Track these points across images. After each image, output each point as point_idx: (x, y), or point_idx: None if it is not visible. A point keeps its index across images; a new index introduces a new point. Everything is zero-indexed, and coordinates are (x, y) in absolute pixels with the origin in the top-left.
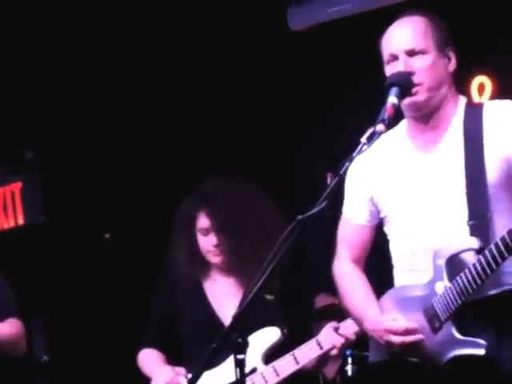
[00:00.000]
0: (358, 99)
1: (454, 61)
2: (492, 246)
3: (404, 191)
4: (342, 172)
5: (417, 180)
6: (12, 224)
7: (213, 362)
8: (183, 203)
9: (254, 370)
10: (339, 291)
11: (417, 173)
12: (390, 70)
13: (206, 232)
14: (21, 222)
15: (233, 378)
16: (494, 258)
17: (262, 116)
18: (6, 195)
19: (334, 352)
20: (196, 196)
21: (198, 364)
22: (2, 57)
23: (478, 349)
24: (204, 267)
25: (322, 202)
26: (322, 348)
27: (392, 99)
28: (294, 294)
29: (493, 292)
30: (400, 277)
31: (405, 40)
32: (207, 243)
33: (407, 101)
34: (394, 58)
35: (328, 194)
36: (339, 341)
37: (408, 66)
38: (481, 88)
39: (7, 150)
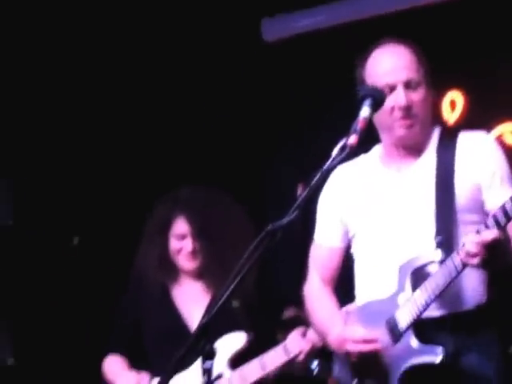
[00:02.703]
0: (330, 111)
1: (433, 91)
2: (453, 254)
3: (372, 208)
4: (313, 183)
5: (386, 198)
6: None
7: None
8: (158, 208)
9: (219, 376)
10: (307, 309)
11: (386, 191)
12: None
13: (181, 237)
14: None
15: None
16: (455, 266)
17: (235, 126)
18: None
19: (301, 357)
20: (173, 202)
21: (164, 371)
22: None
23: (434, 356)
24: (173, 272)
25: (292, 212)
26: (288, 353)
27: (365, 112)
28: (262, 299)
29: (454, 310)
30: (365, 294)
31: (403, 71)
32: (181, 248)
33: (400, 132)
34: (391, 88)
35: (299, 204)
36: (306, 346)
37: (409, 99)
38: (452, 104)
39: None
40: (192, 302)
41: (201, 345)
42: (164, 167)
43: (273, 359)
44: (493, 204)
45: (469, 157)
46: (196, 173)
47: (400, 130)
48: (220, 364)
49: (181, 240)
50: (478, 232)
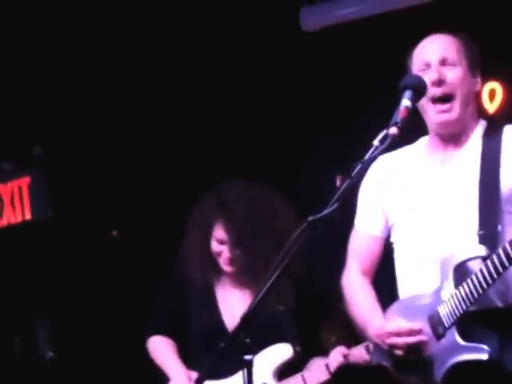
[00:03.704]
0: (369, 101)
1: (480, 83)
2: (499, 250)
3: (414, 198)
4: (353, 174)
5: (428, 188)
6: (19, 219)
7: (221, 371)
8: (200, 206)
9: None
10: (346, 300)
11: (430, 181)
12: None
13: (220, 242)
14: (28, 217)
15: None
16: (501, 262)
17: (273, 116)
18: (14, 190)
19: None
20: (214, 203)
21: (204, 367)
22: (10, 53)
23: (480, 354)
24: (217, 272)
25: (333, 203)
26: (330, 373)
27: (405, 102)
28: (308, 305)
29: (499, 305)
30: (405, 286)
31: (439, 49)
32: (221, 252)
33: (440, 118)
34: (427, 66)
35: (339, 196)
36: (326, 376)
37: (441, 74)
38: (492, 94)
39: (16, 146)
40: (235, 306)
41: (241, 339)
42: (203, 159)
43: (315, 377)
44: None
45: None
46: (235, 166)
47: (438, 116)
48: (264, 375)
49: (220, 244)
50: None
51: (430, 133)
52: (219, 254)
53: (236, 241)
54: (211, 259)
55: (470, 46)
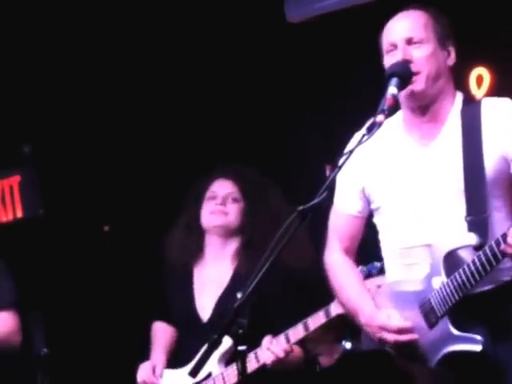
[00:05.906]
0: (355, 91)
1: (453, 55)
2: (493, 243)
3: (399, 184)
4: (342, 163)
5: (413, 173)
6: (10, 217)
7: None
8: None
9: (208, 375)
10: (331, 282)
11: (413, 166)
12: (388, 59)
13: (214, 195)
14: (19, 215)
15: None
16: (494, 255)
17: (260, 108)
18: (5, 189)
19: (269, 364)
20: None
21: (193, 357)
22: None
23: (474, 345)
24: (198, 249)
25: (322, 192)
26: (258, 361)
27: (392, 90)
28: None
29: (487, 288)
30: (393, 270)
31: (404, 29)
32: (215, 205)
33: (405, 90)
34: (394, 46)
35: (329, 185)
36: (269, 357)
37: (407, 54)
38: (479, 80)
39: (4, 144)
40: (208, 285)
41: (234, 329)
42: (190, 150)
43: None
44: None
45: (495, 125)
46: (224, 155)
47: (404, 91)
48: (210, 363)
49: (214, 198)
50: None
51: (402, 107)
52: (214, 208)
53: (246, 191)
54: (196, 229)
55: (438, 19)
